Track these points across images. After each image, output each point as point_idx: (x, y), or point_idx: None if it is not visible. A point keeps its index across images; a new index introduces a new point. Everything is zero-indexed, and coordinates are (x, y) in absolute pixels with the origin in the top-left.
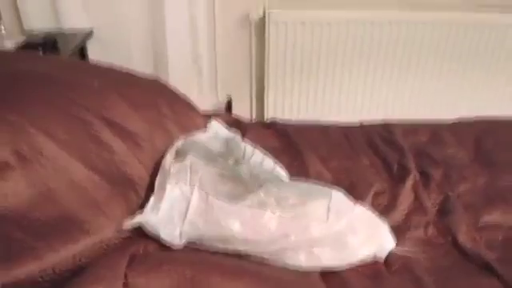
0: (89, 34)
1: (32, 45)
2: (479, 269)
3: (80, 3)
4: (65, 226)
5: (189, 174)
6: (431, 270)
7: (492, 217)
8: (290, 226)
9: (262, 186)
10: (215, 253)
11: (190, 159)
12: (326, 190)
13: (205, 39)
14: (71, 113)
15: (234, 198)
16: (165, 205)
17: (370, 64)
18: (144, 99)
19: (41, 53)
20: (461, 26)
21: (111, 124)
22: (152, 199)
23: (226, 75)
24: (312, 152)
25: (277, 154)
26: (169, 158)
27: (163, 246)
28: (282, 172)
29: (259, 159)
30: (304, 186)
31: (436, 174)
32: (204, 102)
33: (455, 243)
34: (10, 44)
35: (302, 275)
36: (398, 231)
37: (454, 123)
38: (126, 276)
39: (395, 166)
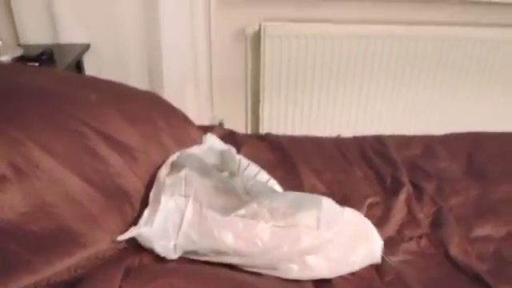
0: (85, 48)
1: (28, 58)
2: (470, 280)
3: (77, 18)
4: (60, 239)
5: (183, 186)
6: (423, 282)
7: (483, 229)
8: (283, 236)
9: (255, 198)
10: (210, 264)
11: (184, 171)
12: (316, 198)
13: (200, 53)
14: (68, 126)
15: (228, 210)
16: (159, 217)
17: (364, 78)
18: (140, 113)
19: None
20: (453, 41)
21: (107, 137)
22: (146, 212)
23: (222, 89)
24: (306, 165)
25: (271, 166)
26: (164, 171)
27: (158, 258)
28: (276, 185)
29: (254, 172)
30: (295, 195)
31: (429, 186)
32: (199, 115)
33: (447, 255)
34: (6, 57)
35: (297, 286)
36: (392, 243)
37: (446, 137)
38: None
39: (388, 179)
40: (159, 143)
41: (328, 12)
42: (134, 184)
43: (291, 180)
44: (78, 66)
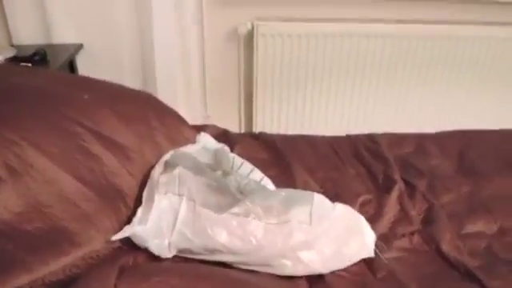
0: (78, 48)
1: (21, 58)
2: (462, 276)
3: (69, 18)
4: (55, 239)
5: (177, 185)
6: (416, 278)
7: (475, 226)
8: (276, 232)
9: (248, 196)
10: (204, 263)
11: (178, 170)
12: (307, 194)
13: (193, 52)
14: (61, 126)
15: (221, 208)
16: (153, 216)
17: (356, 76)
18: (134, 112)
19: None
20: (444, 39)
21: (101, 137)
22: (140, 211)
23: (215, 88)
24: (299, 163)
25: (265, 165)
26: (157, 170)
27: (153, 257)
28: (269, 183)
29: (247, 170)
30: (287, 192)
31: (421, 184)
32: (193, 115)
33: (439, 251)
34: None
35: (290, 284)
36: (384, 240)
37: (438, 134)
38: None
39: (381, 177)
40: (153, 142)
41: (320, 11)
42: (128, 183)
43: (284, 178)
44: (71, 66)
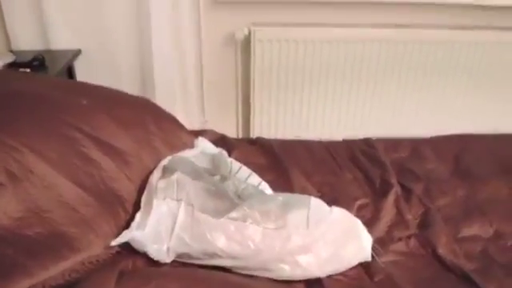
0: (76, 54)
1: (20, 64)
2: (458, 279)
3: (67, 24)
4: (55, 244)
5: (176, 190)
6: (412, 281)
7: (471, 229)
8: (274, 237)
9: (246, 200)
10: (203, 267)
11: (176, 175)
12: (304, 198)
13: (191, 58)
14: (60, 132)
15: (220, 213)
16: (152, 221)
17: (353, 81)
18: (132, 117)
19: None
20: (441, 44)
21: (100, 142)
22: (138, 216)
23: (212, 93)
24: (296, 168)
25: (262, 170)
26: (156, 175)
27: (152, 261)
28: (267, 188)
29: (245, 175)
30: (284, 197)
31: (417, 188)
32: (190, 119)
33: (435, 255)
34: None
35: (288, 287)
36: (381, 243)
37: (433, 139)
38: None
39: (378, 181)
40: (151, 147)
41: (317, 16)
42: (126, 188)
43: (282, 183)
44: (70, 72)
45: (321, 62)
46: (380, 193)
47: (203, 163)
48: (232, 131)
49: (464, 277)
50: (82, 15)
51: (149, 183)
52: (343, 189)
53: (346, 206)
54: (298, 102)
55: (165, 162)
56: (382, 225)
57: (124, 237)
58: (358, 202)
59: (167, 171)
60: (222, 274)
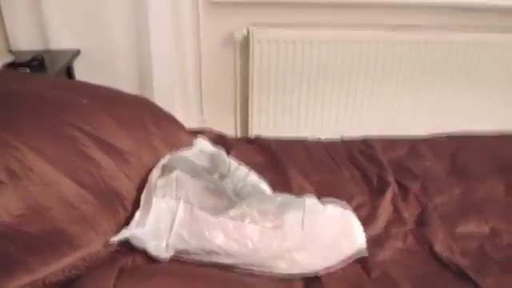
0: (76, 54)
1: (19, 64)
2: (455, 275)
3: (66, 24)
4: (55, 240)
5: (175, 188)
6: (409, 277)
7: (467, 226)
8: (271, 236)
9: (245, 199)
10: (202, 264)
11: (175, 173)
12: (299, 201)
13: (190, 58)
14: (60, 131)
15: (218, 211)
16: (151, 218)
17: (351, 81)
18: (131, 117)
19: (28, 72)
20: (438, 44)
21: (99, 141)
22: (138, 214)
23: (211, 93)
24: (295, 167)
25: (260, 169)
26: (155, 174)
27: (151, 259)
28: (265, 186)
29: (244, 174)
30: (281, 197)
31: (414, 186)
32: (189, 119)
33: (432, 252)
34: None
35: (287, 285)
36: (379, 241)
37: (430, 138)
38: None
39: (375, 179)
40: (151, 146)
41: (315, 17)
42: (126, 186)
43: (280, 182)
44: (69, 72)
45: (319, 63)
46: (377, 191)
47: (202, 162)
48: (230, 131)
49: (460, 273)
50: (81, 15)
51: (148, 182)
52: (341, 187)
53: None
54: (296, 101)
55: (164, 160)
56: (380, 222)
57: (123, 234)
58: (356, 201)
59: (166, 170)
60: (220, 270)
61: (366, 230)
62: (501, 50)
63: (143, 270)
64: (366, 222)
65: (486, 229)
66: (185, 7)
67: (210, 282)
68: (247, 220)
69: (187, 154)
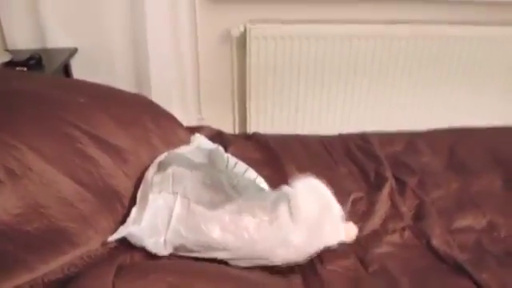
0: (73, 52)
1: (17, 63)
2: (452, 269)
3: (63, 22)
4: (54, 239)
5: (171, 184)
6: (407, 272)
7: (464, 221)
8: (267, 227)
9: (242, 194)
10: (200, 260)
11: (172, 169)
12: (283, 194)
13: (187, 55)
14: (59, 130)
15: (215, 205)
16: (148, 215)
17: (348, 77)
18: (129, 115)
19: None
20: (435, 40)
21: (98, 140)
22: (134, 211)
23: (209, 90)
24: (292, 163)
25: (258, 165)
26: (151, 171)
27: (150, 255)
28: (263, 183)
29: (242, 170)
30: (276, 192)
31: (411, 181)
32: (187, 117)
33: (429, 246)
34: None
35: (285, 280)
36: (376, 235)
37: (428, 132)
38: (113, 285)
39: (372, 175)
40: (149, 144)
41: (312, 13)
42: (124, 184)
43: (278, 178)
44: (66, 70)
45: (316, 59)
46: (375, 186)
47: (199, 158)
48: (228, 128)
49: (457, 267)
50: (79, 14)
51: (144, 179)
52: (338, 183)
53: (341, 199)
54: (294, 98)
55: (160, 158)
56: (377, 217)
57: (120, 232)
58: (353, 196)
59: (162, 166)
60: (219, 266)
61: (364, 225)
62: (498, 45)
63: (141, 266)
64: (363, 217)
65: (483, 223)
66: (182, 5)
67: (208, 278)
68: (244, 214)
69: (184, 150)
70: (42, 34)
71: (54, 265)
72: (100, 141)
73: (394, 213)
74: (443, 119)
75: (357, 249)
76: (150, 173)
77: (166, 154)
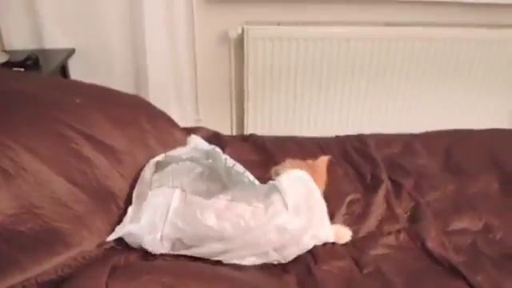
0: (70, 53)
1: (14, 63)
2: (447, 272)
3: (61, 23)
4: (48, 239)
5: (171, 179)
6: (402, 274)
7: (460, 223)
8: (262, 215)
9: (238, 184)
10: (194, 260)
11: (172, 167)
12: (273, 186)
13: (185, 56)
14: (54, 130)
15: (211, 194)
16: (147, 211)
17: (346, 78)
18: (125, 116)
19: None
20: (433, 42)
21: (93, 140)
22: (130, 210)
23: (206, 91)
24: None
25: (255, 166)
26: (147, 170)
27: (145, 256)
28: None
29: (241, 171)
30: (264, 185)
31: (407, 183)
32: (184, 118)
33: (425, 248)
34: None
35: (279, 280)
36: (372, 237)
37: (424, 134)
38: (107, 286)
39: (368, 176)
40: (145, 145)
41: (310, 15)
42: (119, 185)
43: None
44: (64, 71)
45: (314, 60)
46: (371, 188)
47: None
48: (226, 129)
49: (452, 269)
50: (76, 14)
51: (141, 178)
52: (334, 184)
53: (337, 201)
54: (291, 99)
55: (157, 158)
56: (373, 219)
57: (118, 232)
58: (349, 198)
59: (161, 166)
60: (213, 267)
61: (359, 227)
62: (495, 47)
63: (136, 267)
64: (359, 218)
65: (479, 225)
66: (179, 5)
67: (203, 279)
68: (239, 201)
69: (180, 152)
70: (40, 35)
71: (48, 265)
72: (95, 141)
73: (390, 215)
74: (440, 121)
75: (352, 250)
76: (147, 172)
77: (163, 155)
